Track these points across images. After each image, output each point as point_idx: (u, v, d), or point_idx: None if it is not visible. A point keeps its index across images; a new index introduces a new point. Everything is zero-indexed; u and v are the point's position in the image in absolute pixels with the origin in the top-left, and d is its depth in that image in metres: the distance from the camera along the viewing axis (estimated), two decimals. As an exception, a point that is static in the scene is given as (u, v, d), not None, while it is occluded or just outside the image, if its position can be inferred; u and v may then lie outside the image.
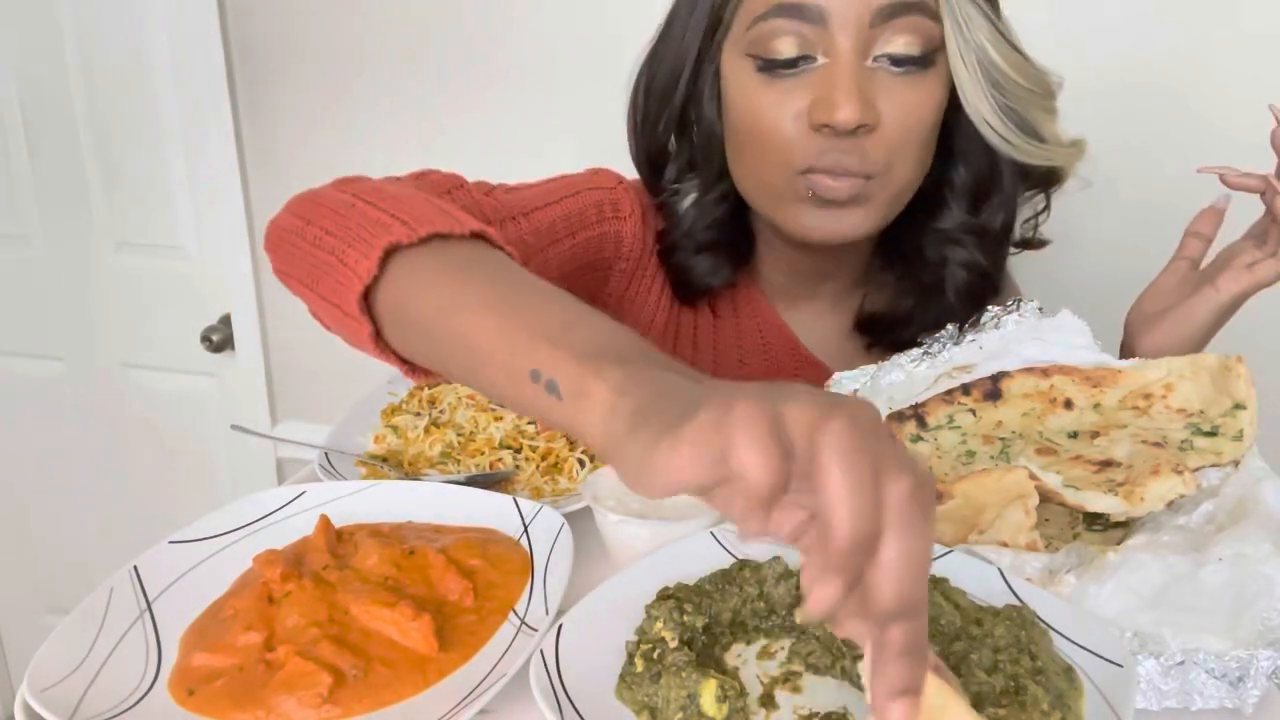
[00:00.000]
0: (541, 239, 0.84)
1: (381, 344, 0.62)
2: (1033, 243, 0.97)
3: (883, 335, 0.95)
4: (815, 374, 0.96)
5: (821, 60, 0.77)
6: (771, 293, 0.98)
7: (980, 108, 0.80)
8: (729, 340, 0.98)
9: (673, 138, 0.90)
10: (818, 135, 0.78)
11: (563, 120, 1.47)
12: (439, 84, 1.53)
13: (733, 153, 0.86)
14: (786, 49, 0.77)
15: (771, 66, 0.78)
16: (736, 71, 0.81)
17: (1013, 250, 0.98)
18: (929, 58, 0.78)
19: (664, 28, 0.88)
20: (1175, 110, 1.27)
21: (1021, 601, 0.55)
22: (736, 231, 0.92)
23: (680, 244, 0.91)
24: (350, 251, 0.61)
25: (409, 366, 0.63)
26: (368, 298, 0.60)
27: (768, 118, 0.79)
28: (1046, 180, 0.90)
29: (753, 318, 0.98)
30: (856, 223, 0.82)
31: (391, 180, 0.73)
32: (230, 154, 1.64)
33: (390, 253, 0.59)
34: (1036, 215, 0.95)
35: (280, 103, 1.62)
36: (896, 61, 0.77)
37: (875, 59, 0.77)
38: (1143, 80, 1.26)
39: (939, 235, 0.90)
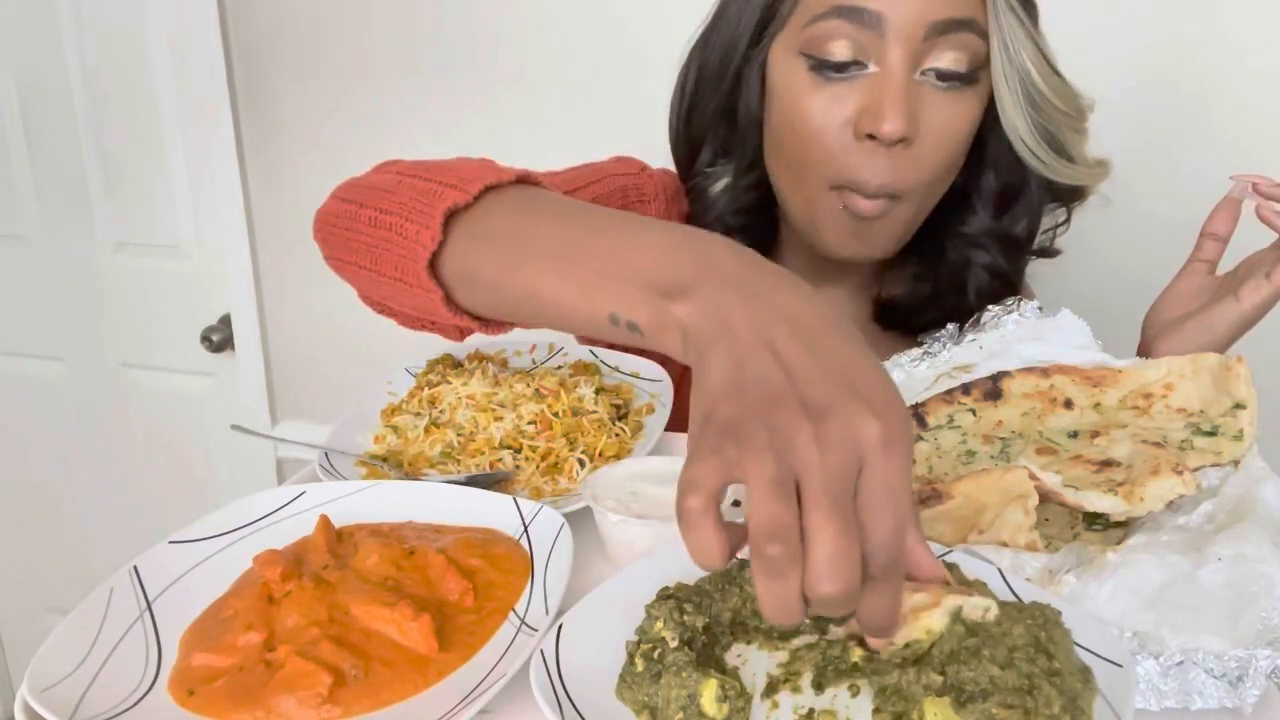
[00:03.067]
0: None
1: (453, 307, 0.64)
2: (1046, 252, 0.99)
3: (899, 321, 0.97)
4: None
5: (873, 68, 0.79)
6: None
7: (1017, 125, 0.82)
8: None
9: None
10: (859, 146, 0.79)
11: (564, 119, 1.47)
12: (439, 84, 1.53)
13: (771, 147, 0.87)
14: (840, 52, 0.78)
15: (823, 67, 0.79)
16: (786, 68, 0.82)
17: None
18: (974, 75, 0.80)
19: (717, 13, 0.88)
20: (1180, 112, 1.27)
21: (1021, 600, 0.55)
22: (762, 219, 0.94)
23: (709, 228, 0.92)
24: (409, 225, 0.62)
25: (483, 322, 0.65)
26: (433, 265, 0.62)
27: (814, 122, 0.81)
28: (1070, 195, 0.92)
29: None
30: (881, 245, 0.85)
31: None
32: (230, 154, 1.65)
33: (450, 217, 0.61)
34: (1056, 227, 0.97)
35: (280, 103, 1.62)
36: (943, 76, 0.79)
37: (923, 72, 0.79)
38: (1149, 82, 1.27)
39: (963, 238, 0.92)
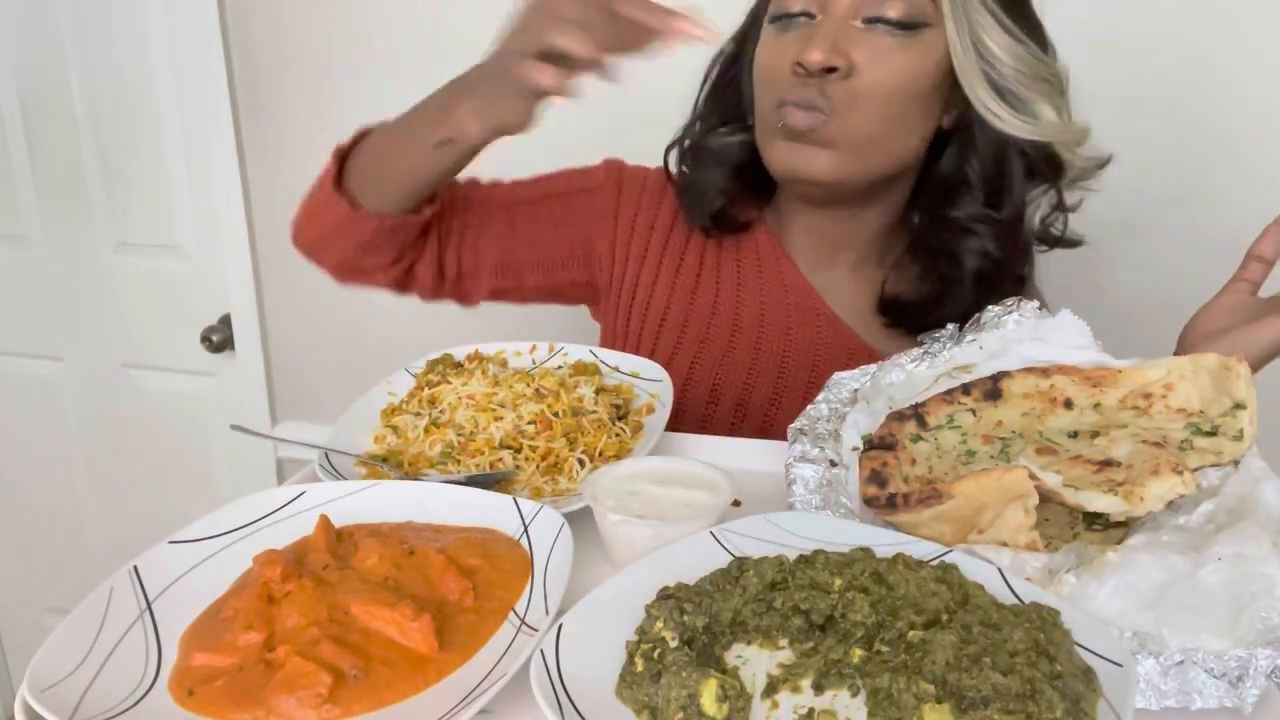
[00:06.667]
0: (532, 194, 1.09)
1: (375, 216, 0.95)
2: (1064, 240, 1.03)
3: (903, 319, 1.01)
4: (841, 337, 1.03)
5: (819, 18, 0.92)
6: (797, 256, 1.06)
7: (972, 83, 0.91)
8: (752, 297, 1.05)
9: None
10: (794, 74, 0.92)
11: (562, 121, 1.47)
12: (438, 85, 1.52)
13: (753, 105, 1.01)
14: (795, 5, 0.94)
15: (779, 18, 0.95)
16: (764, 35, 0.98)
17: (1043, 249, 1.02)
18: (915, 26, 0.90)
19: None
20: (1194, 118, 1.27)
21: (1021, 600, 0.55)
22: (755, 187, 1.05)
23: (706, 197, 1.05)
24: (326, 197, 0.96)
25: (410, 213, 0.96)
26: (355, 209, 0.95)
27: (769, 60, 0.96)
28: (1052, 172, 0.97)
29: (778, 280, 1.05)
30: (820, 164, 0.93)
31: None
32: (230, 154, 1.65)
33: (336, 183, 0.96)
34: (1054, 209, 1.00)
35: (280, 103, 1.62)
36: (883, 23, 0.90)
37: (866, 20, 0.91)
38: (1175, 92, 1.27)
39: (954, 225, 0.98)
